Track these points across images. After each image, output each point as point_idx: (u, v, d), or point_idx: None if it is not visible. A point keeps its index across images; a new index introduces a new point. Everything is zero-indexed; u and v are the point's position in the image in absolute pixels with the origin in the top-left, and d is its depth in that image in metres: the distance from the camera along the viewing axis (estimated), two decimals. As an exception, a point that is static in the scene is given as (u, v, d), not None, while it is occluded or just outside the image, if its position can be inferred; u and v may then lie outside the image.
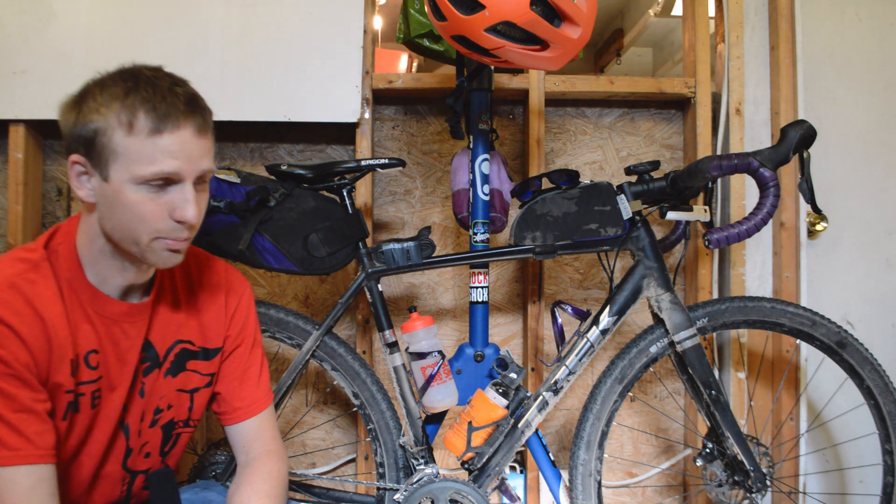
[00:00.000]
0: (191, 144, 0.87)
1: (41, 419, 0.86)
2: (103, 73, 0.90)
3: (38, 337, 0.86)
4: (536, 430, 1.42)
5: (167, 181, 0.86)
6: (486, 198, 1.48)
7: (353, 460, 1.84)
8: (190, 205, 0.87)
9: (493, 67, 1.47)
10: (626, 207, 1.36)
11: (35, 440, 0.84)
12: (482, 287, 1.49)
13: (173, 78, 0.91)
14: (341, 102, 1.70)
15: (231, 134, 1.82)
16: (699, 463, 1.45)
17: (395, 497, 1.35)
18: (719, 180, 1.82)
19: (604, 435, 1.39)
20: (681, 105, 1.90)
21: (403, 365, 1.41)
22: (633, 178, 1.39)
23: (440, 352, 1.37)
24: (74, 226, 0.95)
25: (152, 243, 0.89)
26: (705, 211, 1.36)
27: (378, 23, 3.35)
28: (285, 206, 1.37)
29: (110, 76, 0.89)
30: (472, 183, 1.48)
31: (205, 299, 1.08)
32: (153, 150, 0.84)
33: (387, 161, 1.40)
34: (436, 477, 1.35)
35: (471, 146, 1.49)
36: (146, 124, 0.84)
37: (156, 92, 0.86)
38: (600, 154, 1.90)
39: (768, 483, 1.37)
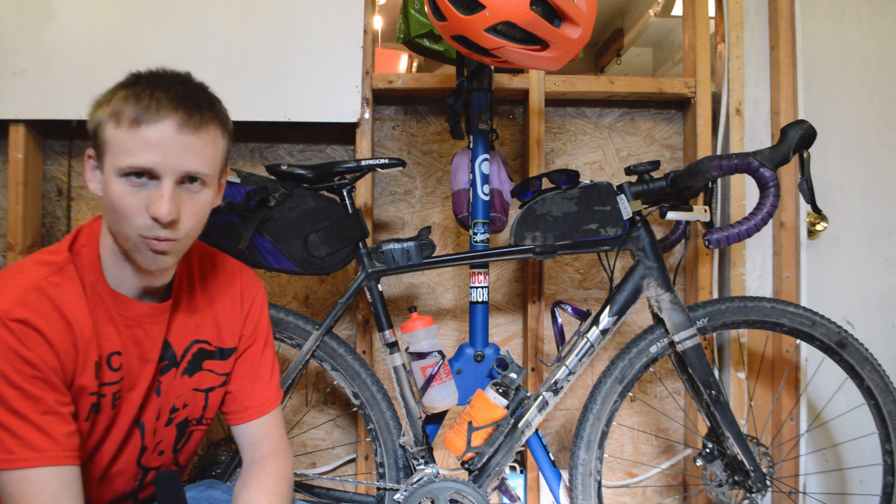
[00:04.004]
0: (171, 139, 0.83)
1: (66, 421, 0.86)
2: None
3: (65, 340, 0.86)
4: (536, 430, 1.42)
5: (148, 176, 0.84)
6: (486, 198, 1.48)
7: (353, 460, 1.84)
8: (162, 201, 0.83)
9: (493, 67, 1.47)
10: (626, 207, 1.36)
11: (62, 441, 0.85)
12: (482, 287, 1.49)
13: (180, 77, 0.90)
14: (341, 102, 1.70)
15: (231, 134, 1.81)
16: (699, 463, 1.45)
17: (395, 497, 1.35)
18: (719, 180, 1.82)
19: (604, 435, 1.39)
20: (681, 105, 1.90)
21: (403, 365, 1.40)
22: (633, 178, 1.39)
23: (440, 352, 1.37)
24: (97, 227, 0.94)
25: (137, 242, 0.86)
26: (705, 211, 1.36)
27: (378, 23, 3.35)
28: (285, 206, 1.37)
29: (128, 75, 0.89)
30: (472, 183, 1.48)
31: (221, 299, 1.08)
32: (133, 141, 0.82)
33: (387, 161, 1.40)
34: (436, 477, 1.35)
35: (471, 146, 1.48)
36: (129, 115, 0.83)
37: (147, 86, 0.84)
38: (600, 154, 1.90)
39: (768, 483, 1.37)
